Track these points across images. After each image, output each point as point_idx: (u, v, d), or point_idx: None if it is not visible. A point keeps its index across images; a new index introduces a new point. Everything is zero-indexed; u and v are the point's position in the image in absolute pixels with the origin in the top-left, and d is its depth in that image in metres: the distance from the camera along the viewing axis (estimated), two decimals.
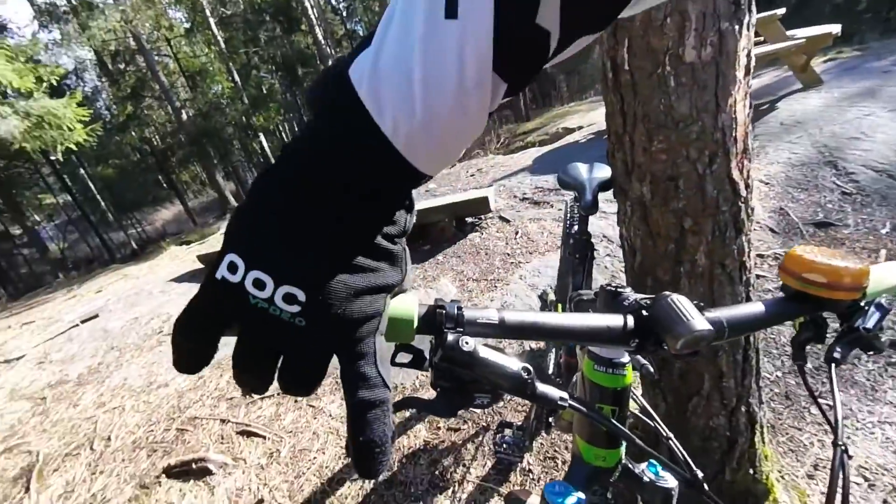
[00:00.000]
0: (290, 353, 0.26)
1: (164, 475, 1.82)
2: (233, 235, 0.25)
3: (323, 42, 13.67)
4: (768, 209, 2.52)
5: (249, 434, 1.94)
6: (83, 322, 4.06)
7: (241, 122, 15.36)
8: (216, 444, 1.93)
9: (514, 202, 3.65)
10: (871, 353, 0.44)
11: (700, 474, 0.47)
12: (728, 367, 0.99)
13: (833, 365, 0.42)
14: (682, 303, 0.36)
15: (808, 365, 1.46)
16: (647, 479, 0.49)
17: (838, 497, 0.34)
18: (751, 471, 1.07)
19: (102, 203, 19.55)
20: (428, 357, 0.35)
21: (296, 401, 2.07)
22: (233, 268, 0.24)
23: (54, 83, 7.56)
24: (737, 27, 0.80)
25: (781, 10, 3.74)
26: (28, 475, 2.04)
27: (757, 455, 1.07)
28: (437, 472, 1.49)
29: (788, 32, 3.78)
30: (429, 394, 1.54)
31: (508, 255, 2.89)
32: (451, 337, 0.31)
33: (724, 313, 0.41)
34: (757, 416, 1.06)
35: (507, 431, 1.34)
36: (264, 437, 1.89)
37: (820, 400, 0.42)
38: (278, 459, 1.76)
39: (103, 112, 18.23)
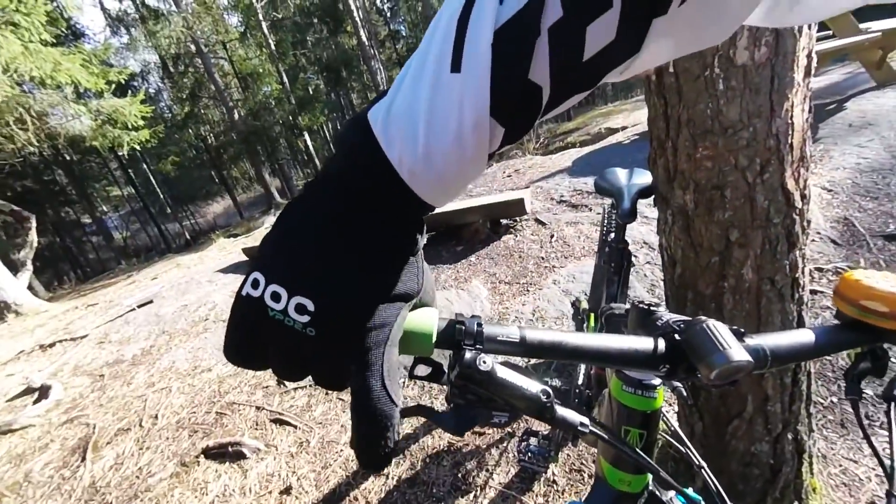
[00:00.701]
0: (305, 362, 0.28)
1: (202, 455, 1.93)
2: (258, 257, 0.28)
3: (367, 43, 13.97)
4: (831, 219, 2.32)
5: (282, 422, 2.01)
6: (139, 307, 4.38)
7: (287, 121, 16.03)
8: (251, 430, 2.02)
9: (551, 204, 3.57)
10: None
11: None
12: (774, 391, 0.92)
13: (893, 403, 0.37)
14: (719, 329, 0.34)
15: (869, 392, 1.33)
16: None
17: None
18: (796, 503, 0.99)
19: (161, 196, 21.01)
20: (446, 371, 0.34)
21: (326, 393, 2.13)
22: (255, 284, 0.27)
23: (122, 83, 8.19)
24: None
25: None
26: (85, 446, 2.22)
27: (804, 487, 0.99)
28: (459, 475, 1.49)
29: (862, 25, 3.47)
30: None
31: (543, 258, 2.84)
32: (468, 355, 0.31)
33: (768, 341, 0.38)
34: (805, 444, 0.98)
35: (533, 440, 1.31)
36: (296, 427, 1.96)
37: (879, 442, 0.38)
38: (307, 449, 1.82)
39: (164, 112, 19.57)
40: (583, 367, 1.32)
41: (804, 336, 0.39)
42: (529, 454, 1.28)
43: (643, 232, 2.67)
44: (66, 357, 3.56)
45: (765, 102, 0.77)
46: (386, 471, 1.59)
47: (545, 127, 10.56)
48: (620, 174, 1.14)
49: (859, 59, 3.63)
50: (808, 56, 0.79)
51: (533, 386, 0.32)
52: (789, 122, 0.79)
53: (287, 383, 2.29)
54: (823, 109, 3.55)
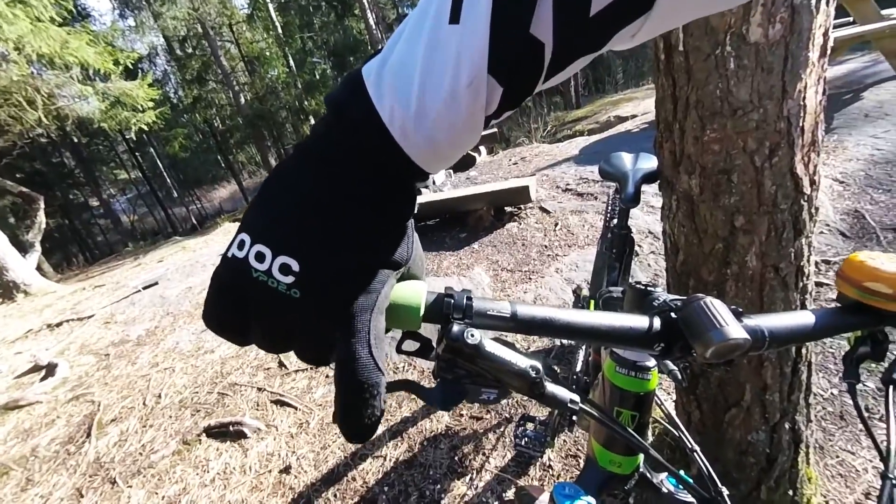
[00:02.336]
0: (289, 326, 0.27)
1: (204, 434, 1.96)
2: (244, 219, 0.27)
3: (374, 27, 13.77)
4: (841, 210, 2.28)
5: (282, 404, 2.04)
6: (145, 288, 4.42)
7: (294, 106, 15.92)
8: (252, 411, 2.05)
9: (557, 193, 3.54)
10: None
11: (725, 492, 0.43)
12: (773, 380, 0.91)
13: (892, 387, 0.36)
14: (716, 307, 0.32)
15: (870, 385, 1.32)
16: (666, 491, 0.46)
17: None
18: (790, 492, 0.98)
19: (168, 180, 21.08)
20: (434, 347, 0.33)
21: (326, 376, 2.15)
22: (241, 245, 0.26)
23: (130, 66, 8.17)
24: (813, 1, 0.71)
25: None
26: (90, 422, 2.27)
27: (799, 476, 0.99)
28: (456, 458, 1.50)
29: (884, 12, 3.35)
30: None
31: (546, 247, 2.82)
32: (456, 328, 0.30)
33: (766, 321, 0.36)
34: (803, 434, 0.97)
35: (529, 425, 1.32)
36: (296, 408, 1.98)
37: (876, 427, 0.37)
38: (307, 430, 1.84)
39: (171, 95, 19.52)
40: (581, 353, 1.31)
41: (804, 317, 0.37)
42: (526, 439, 1.28)
43: (648, 221, 2.64)
44: (72, 336, 3.62)
45: (777, 83, 0.74)
46: (383, 452, 1.61)
47: (553, 115, 10.42)
48: (626, 158, 1.12)
49: (879, 47, 3.51)
50: (825, 35, 0.76)
51: (522, 361, 0.31)
52: (802, 103, 0.76)
53: (288, 366, 2.31)
54: (840, 99, 3.47)
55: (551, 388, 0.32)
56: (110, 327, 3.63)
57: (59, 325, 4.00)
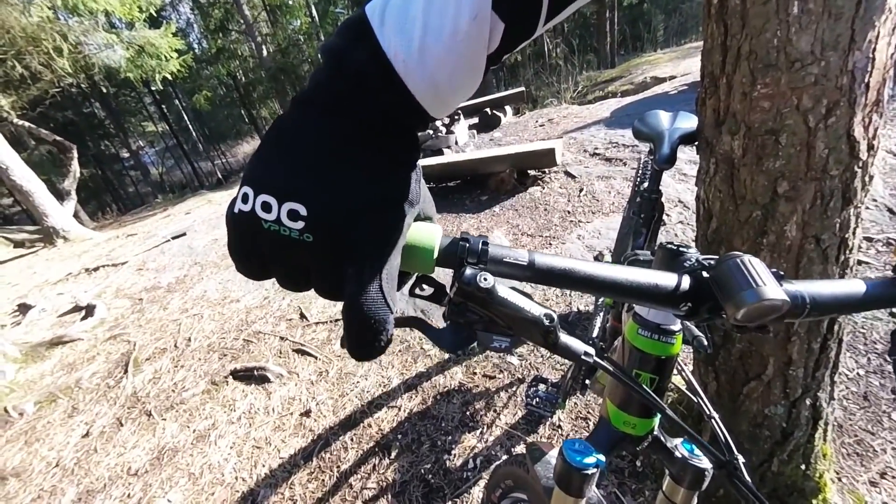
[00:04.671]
0: (305, 269, 0.27)
1: (230, 377, 2.07)
2: (245, 172, 0.26)
3: None
4: (892, 186, 2.12)
5: (303, 353, 2.12)
6: (174, 238, 4.58)
7: (316, 59, 15.55)
8: (275, 357, 2.15)
9: (584, 157, 3.41)
10: None
11: (741, 459, 0.42)
12: (799, 355, 0.88)
13: None
14: (755, 265, 0.30)
15: None
16: (680, 455, 0.45)
17: None
18: (802, 466, 0.98)
19: (194, 133, 21.29)
20: (448, 293, 0.32)
21: None
22: (245, 198, 0.25)
23: (153, 14, 8.06)
24: None
25: None
26: (127, 360, 2.43)
27: (814, 452, 0.98)
28: (468, 413, 1.55)
29: None
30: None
31: (569, 212, 2.75)
32: (469, 271, 0.29)
33: (809, 287, 0.34)
34: (823, 411, 0.95)
35: (542, 386, 1.34)
36: (316, 357, 2.07)
37: None
38: (326, 378, 1.92)
39: (195, 45, 19.31)
40: (599, 319, 1.30)
41: (853, 286, 0.34)
42: (537, 399, 1.31)
43: (679, 190, 2.52)
44: (108, 281, 3.82)
45: (845, 31, 0.66)
46: (398, 403, 1.68)
47: (585, 74, 9.86)
48: (663, 117, 1.05)
49: None
50: None
51: (536, 309, 0.30)
52: (870, 56, 0.68)
53: (309, 318, 2.39)
54: None
55: (565, 338, 0.31)
56: (143, 274, 3.81)
57: (95, 269, 4.21)
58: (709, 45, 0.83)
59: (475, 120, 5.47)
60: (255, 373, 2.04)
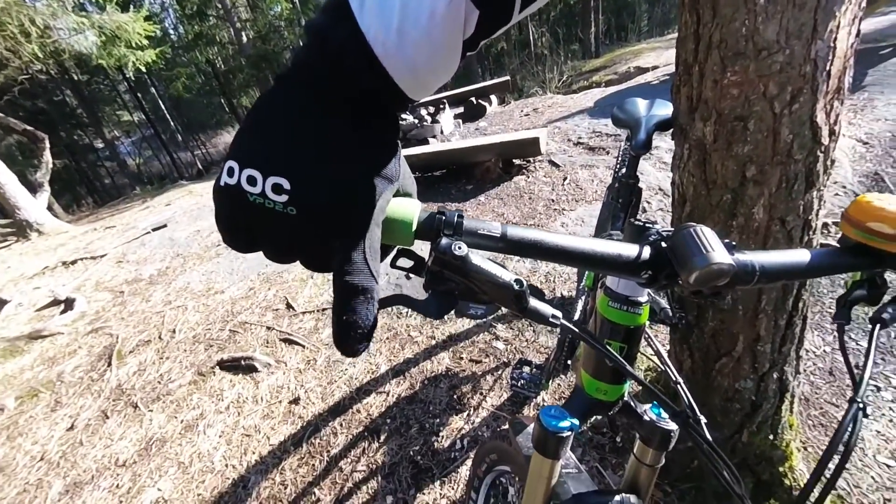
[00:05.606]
0: (290, 241, 0.28)
1: (217, 367, 2.07)
2: (231, 148, 0.27)
3: None
4: (860, 173, 2.21)
5: (291, 342, 2.13)
6: (154, 230, 4.49)
7: (298, 46, 15.19)
8: (262, 347, 2.15)
9: (568, 146, 3.44)
10: None
11: (703, 420, 0.46)
12: (766, 332, 0.93)
13: (878, 326, 0.37)
14: (705, 233, 0.33)
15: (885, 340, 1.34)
16: (648, 419, 0.49)
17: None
18: (770, 436, 1.04)
19: (172, 122, 20.68)
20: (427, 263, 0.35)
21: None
22: (231, 172, 0.26)
23: None
24: None
25: None
26: (110, 353, 2.40)
27: (781, 422, 1.04)
28: (455, 396, 1.58)
29: None
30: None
31: (553, 201, 2.79)
32: (444, 240, 0.31)
33: (759, 256, 0.37)
34: (790, 384, 1.00)
35: (526, 368, 1.38)
36: (303, 346, 2.08)
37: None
38: (314, 366, 1.93)
39: (171, 31, 18.68)
40: (580, 302, 1.34)
41: (799, 255, 0.38)
42: (522, 381, 1.35)
43: (660, 178, 2.58)
44: (87, 274, 3.74)
45: (808, 20, 0.69)
46: (386, 388, 1.70)
47: (570, 64, 9.88)
48: (640, 104, 1.08)
49: None
50: None
51: (507, 275, 0.32)
52: (832, 45, 0.71)
53: (296, 307, 2.39)
54: (877, 54, 3.24)
55: (535, 303, 0.34)
56: (123, 266, 3.74)
57: (73, 262, 4.11)
58: (683, 33, 0.86)
59: (460, 109, 5.46)
60: (243, 363, 2.04)
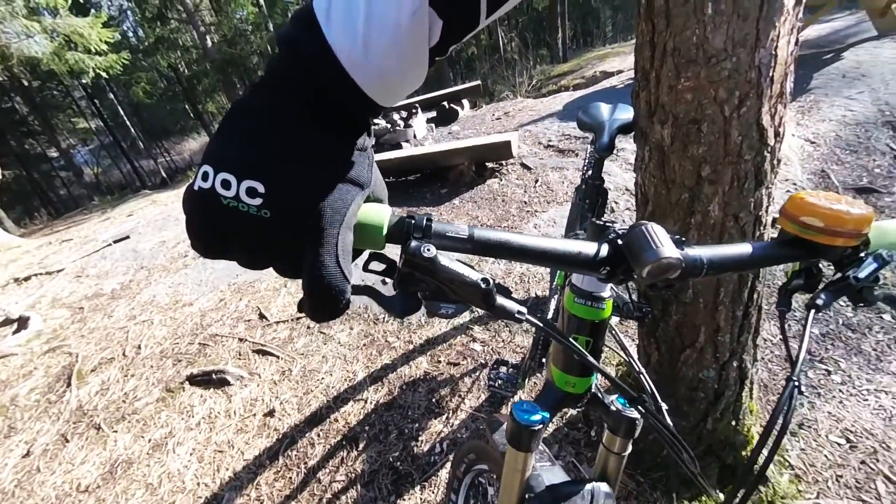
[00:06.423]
0: (264, 245, 0.29)
1: (187, 382, 2.00)
2: (205, 152, 0.28)
3: None
4: (809, 171, 2.36)
5: (264, 353, 2.08)
6: (116, 242, 4.29)
7: (266, 50, 14.89)
8: (234, 360, 2.09)
9: (538, 149, 3.52)
10: (860, 304, 0.42)
11: (665, 407, 0.49)
12: (726, 322, 0.98)
13: (813, 311, 0.40)
14: (655, 230, 0.35)
15: (816, 331, 1.43)
16: (615, 409, 0.51)
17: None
18: (733, 422, 1.09)
19: (133, 129, 19.82)
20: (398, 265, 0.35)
21: (308, 326, 2.18)
22: (205, 176, 0.27)
23: (80, 1, 7.42)
24: None
25: None
26: (69, 373, 2.27)
27: (742, 408, 1.09)
28: (433, 400, 1.59)
29: None
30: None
31: (525, 203, 2.84)
32: (414, 243, 0.32)
33: (706, 250, 0.39)
34: (749, 372, 1.06)
35: (503, 369, 1.40)
36: (278, 357, 2.03)
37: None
38: (290, 377, 1.90)
39: (130, 34, 17.96)
40: (553, 301, 1.37)
41: (742, 248, 0.41)
42: (499, 381, 1.36)
43: (626, 179, 2.67)
44: (42, 290, 3.53)
45: (751, 30, 0.74)
46: (364, 396, 1.69)
47: (539, 68, 10.11)
48: (603, 109, 1.12)
49: (864, 4, 3.49)
50: None
51: (475, 275, 0.33)
52: (773, 53, 0.77)
53: (269, 317, 2.34)
54: (820, 59, 3.47)
55: (502, 300, 0.35)
56: (82, 281, 3.55)
57: (26, 279, 3.88)
58: (640, 41, 0.90)
59: (433, 114, 5.48)
60: (214, 376, 1.98)
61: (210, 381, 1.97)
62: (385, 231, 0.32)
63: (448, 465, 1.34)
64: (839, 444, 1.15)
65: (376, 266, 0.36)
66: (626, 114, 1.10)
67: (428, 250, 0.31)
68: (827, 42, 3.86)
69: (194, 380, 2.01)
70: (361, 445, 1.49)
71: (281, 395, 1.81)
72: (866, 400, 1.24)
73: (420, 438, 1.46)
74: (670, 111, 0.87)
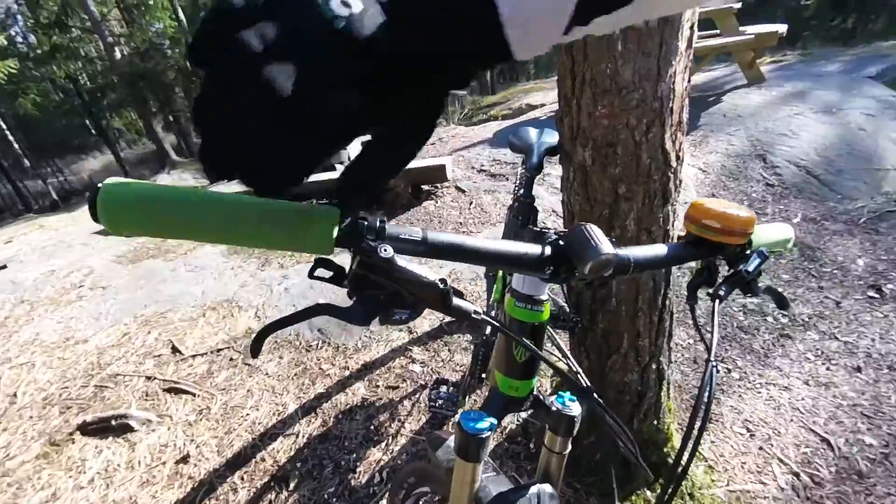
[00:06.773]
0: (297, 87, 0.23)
1: (78, 432, 1.71)
2: None
3: None
4: (702, 194, 2.70)
5: (177, 391, 1.85)
6: None
7: (185, 67, 13.96)
8: (139, 402, 1.83)
9: (472, 173, 3.65)
10: (749, 294, 0.49)
11: (598, 399, 0.51)
12: (644, 328, 1.07)
13: (717, 301, 0.46)
14: (594, 230, 0.38)
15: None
16: (555, 409, 0.52)
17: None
18: (655, 422, 1.18)
19: (16, 145, 17.28)
20: (348, 274, 0.34)
21: (231, 359, 2.00)
22: None
23: None
24: None
25: (738, 4, 3.92)
26: None
27: (662, 408, 1.18)
28: (372, 427, 1.52)
29: (741, 28, 3.98)
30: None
31: (461, 223, 2.91)
32: (370, 243, 0.31)
33: (632, 251, 0.43)
34: (665, 373, 1.16)
35: (443, 388, 1.38)
36: (194, 395, 1.82)
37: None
38: (208, 416, 1.70)
39: (19, 40, 15.89)
40: (492, 314, 1.40)
41: (659, 249, 0.45)
42: (440, 400, 1.35)
43: (552, 201, 2.86)
44: None
45: (653, 66, 0.85)
46: (295, 430, 1.57)
47: (470, 98, 10.63)
48: (532, 132, 1.20)
49: (736, 57, 4.18)
50: (691, 28, 0.88)
51: (432, 276, 0.33)
52: (672, 87, 0.88)
53: (184, 351, 2.10)
54: (705, 101, 4.06)
55: (458, 301, 0.35)
56: None
57: None
58: (562, 72, 0.98)
59: (367, 136, 5.48)
60: (113, 422, 1.71)
61: (108, 428, 1.71)
62: (335, 234, 0.31)
63: (388, 494, 1.28)
64: (742, 434, 1.29)
65: (323, 273, 0.34)
66: (552, 137, 1.18)
67: (385, 250, 0.30)
68: (710, 87, 4.53)
69: (87, 428, 1.72)
70: (293, 484, 1.37)
71: (197, 437, 1.62)
72: (759, 393, 1.41)
73: (358, 470, 1.38)
74: (590, 135, 0.95)
